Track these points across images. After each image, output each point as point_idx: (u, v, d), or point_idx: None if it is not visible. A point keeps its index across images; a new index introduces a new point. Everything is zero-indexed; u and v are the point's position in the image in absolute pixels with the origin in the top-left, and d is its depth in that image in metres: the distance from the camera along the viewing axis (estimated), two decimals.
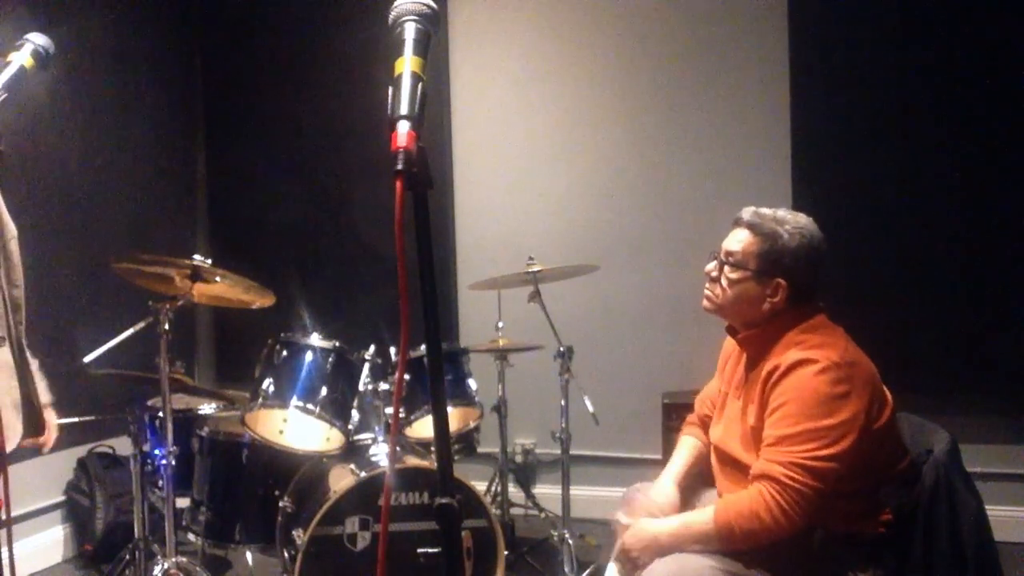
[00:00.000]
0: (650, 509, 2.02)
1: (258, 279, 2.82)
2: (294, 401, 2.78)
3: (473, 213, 4.14)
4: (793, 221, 1.92)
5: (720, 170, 3.78)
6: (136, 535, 2.83)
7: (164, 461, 2.68)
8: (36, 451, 2.14)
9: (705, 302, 2.03)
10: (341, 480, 2.64)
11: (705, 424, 2.23)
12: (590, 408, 2.98)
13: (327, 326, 3.03)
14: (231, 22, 4.42)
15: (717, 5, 3.78)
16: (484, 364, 3.47)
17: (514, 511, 3.64)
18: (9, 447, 1.86)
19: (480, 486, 3.42)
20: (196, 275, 2.70)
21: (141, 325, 2.67)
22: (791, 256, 1.89)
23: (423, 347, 2.81)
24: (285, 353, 2.84)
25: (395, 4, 1.13)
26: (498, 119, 4.10)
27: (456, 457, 3.10)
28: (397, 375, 1.54)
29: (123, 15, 3.94)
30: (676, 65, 3.84)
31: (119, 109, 3.92)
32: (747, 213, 1.96)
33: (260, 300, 2.93)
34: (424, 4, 1.12)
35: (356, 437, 2.93)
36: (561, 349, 3.04)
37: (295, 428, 2.85)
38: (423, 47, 1.11)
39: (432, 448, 2.62)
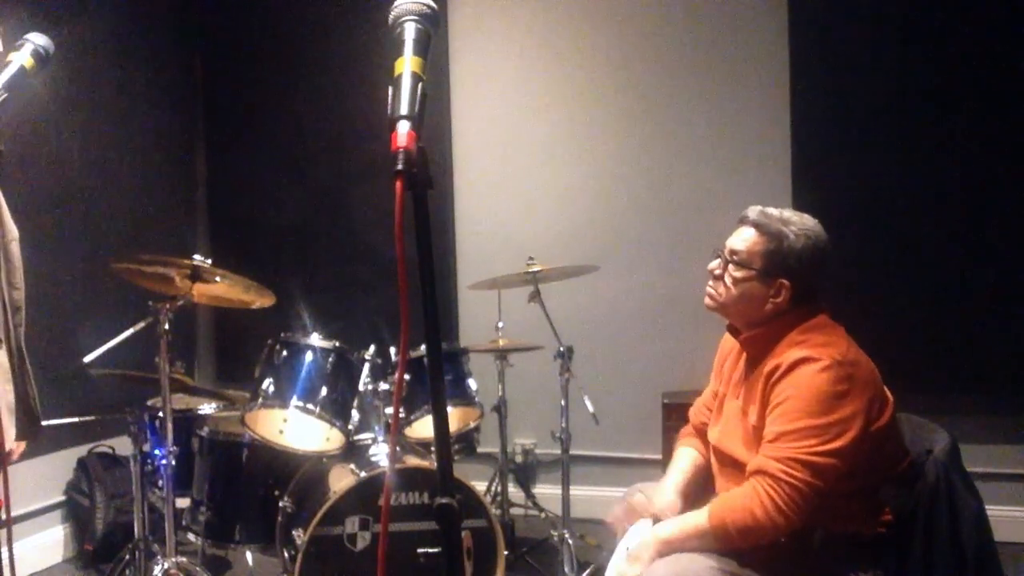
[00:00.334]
0: (651, 512, 2.02)
1: (258, 279, 2.82)
2: (294, 401, 2.78)
3: (473, 213, 4.14)
4: (799, 222, 1.91)
5: (720, 170, 3.78)
6: (136, 535, 2.82)
7: (164, 461, 2.68)
8: (36, 451, 2.13)
9: (707, 300, 2.02)
10: (341, 480, 2.64)
11: (702, 433, 2.21)
12: (590, 408, 2.98)
13: (327, 326, 3.03)
14: (231, 22, 4.42)
15: (717, 5, 3.78)
16: (484, 364, 3.47)
17: (514, 511, 3.64)
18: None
19: (480, 486, 3.42)
20: (196, 275, 2.70)
21: (141, 325, 2.67)
22: (796, 257, 1.89)
23: (423, 347, 2.81)
24: (285, 353, 2.84)
25: (395, 4, 1.13)
26: (498, 119, 4.10)
27: (456, 457, 3.10)
28: (397, 375, 1.54)
29: (123, 15, 3.94)
30: (676, 65, 3.84)
31: (119, 109, 3.92)
32: (753, 212, 1.95)
33: (260, 300, 2.93)
34: (424, 4, 1.12)
35: (356, 437, 2.94)
36: (561, 349, 3.04)
37: (295, 428, 2.85)
38: (423, 47, 1.11)
39: (432, 448, 2.62)
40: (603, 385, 3.53)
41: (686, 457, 2.19)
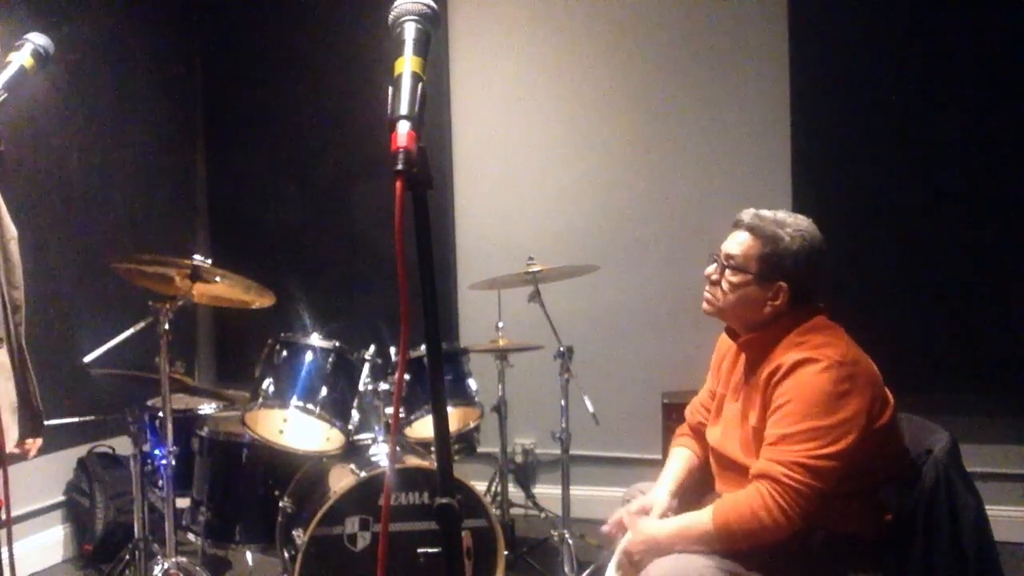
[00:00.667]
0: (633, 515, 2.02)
1: (258, 279, 2.82)
2: (294, 401, 2.78)
3: (473, 213, 4.14)
4: (794, 224, 1.91)
5: (720, 170, 3.78)
6: (136, 535, 2.83)
7: (164, 461, 2.68)
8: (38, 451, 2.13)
9: (705, 305, 2.01)
10: (341, 480, 2.64)
11: (698, 433, 2.21)
12: (590, 408, 2.98)
13: (327, 326, 3.03)
14: (231, 22, 4.42)
15: (717, 5, 3.78)
16: (484, 364, 3.47)
17: (514, 511, 3.64)
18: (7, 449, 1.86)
19: (480, 486, 3.42)
20: (196, 275, 2.69)
21: (141, 325, 2.67)
22: (792, 259, 1.89)
23: (423, 347, 2.81)
24: (285, 353, 2.84)
25: (395, 4, 1.13)
26: (498, 119, 4.10)
27: (456, 457, 3.10)
28: (397, 375, 1.54)
29: (123, 15, 3.94)
30: (676, 65, 3.84)
31: (119, 109, 3.92)
32: (747, 215, 1.95)
33: (260, 300, 2.93)
34: (424, 4, 1.12)
35: (356, 437, 2.93)
36: (561, 349, 3.04)
37: (295, 428, 2.85)
38: (423, 47, 1.11)
39: (432, 448, 2.62)
40: (603, 385, 3.53)
41: (680, 458, 2.18)
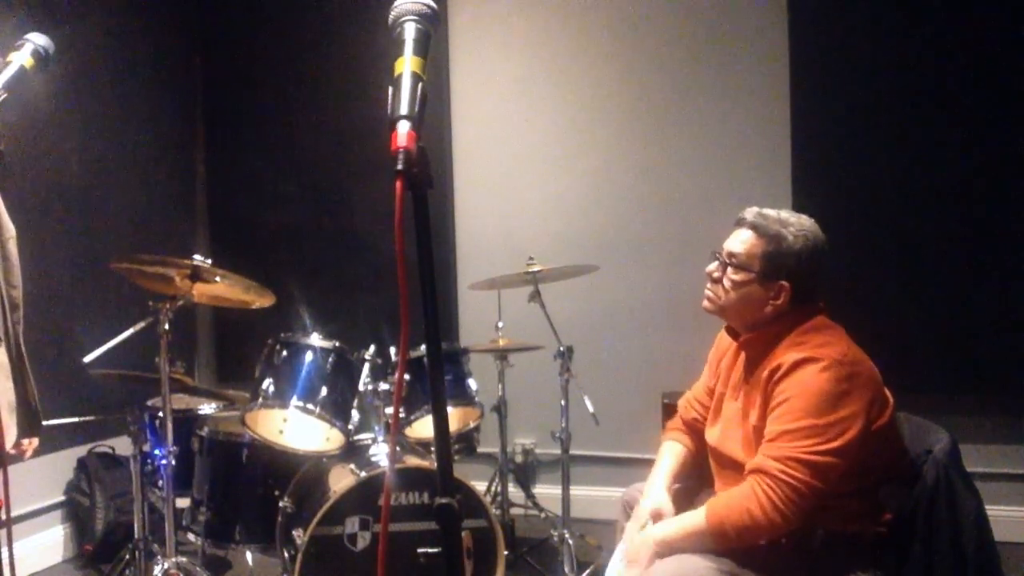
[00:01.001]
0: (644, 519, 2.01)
1: (258, 279, 2.82)
2: (294, 401, 2.78)
3: (473, 213, 4.14)
4: (797, 223, 1.91)
5: (720, 170, 3.78)
6: (136, 535, 2.82)
7: (164, 461, 2.68)
8: (36, 451, 2.13)
9: (706, 303, 2.01)
10: (341, 480, 2.64)
11: (692, 428, 2.20)
12: (590, 408, 2.98)
13: (327, 326, 3.02)
14: (231, 22, 4.42)
15: (717, 5, 3.78)
16: (484, 364, 3.47)
17: (514, 511, 3.64)
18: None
19: (480, 486, 3.42)
20: (196, 275, 2.70)
21: (141, 325, 2.67)
22: (795, 258, 1.89)
23: (423, 347, 2.81)
24: (285, 353, 2.84)
25: (395, 4, 1.13)
26: (498, 119, 4.10)
27: (456, 457, 3.10)
28: (397, 375, 1.53)
29: (123, 15, 3.94)
30: (676, 65, 3.84)
31: (119, 109, 3.92)
32: (750, 214, 1.95)
33: (260, 300, 2.93)
34: (424, 4, 1.12)
35: (356, 437, 2.94)
36: (561, 349, 3.04)
37: (295, 428, 2.85)
38: (423, 47, 1.11)
39: (432, 448, 2.62)
40: (603, 385, 3.53)
41: (670, 452, 2.18)
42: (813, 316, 1.92)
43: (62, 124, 3.62)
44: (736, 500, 1.77)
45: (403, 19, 1.12)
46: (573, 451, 3.13)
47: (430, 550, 2.57)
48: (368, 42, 4.04)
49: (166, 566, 2.66)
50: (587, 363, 3.32)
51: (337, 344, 2.87)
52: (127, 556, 2.87)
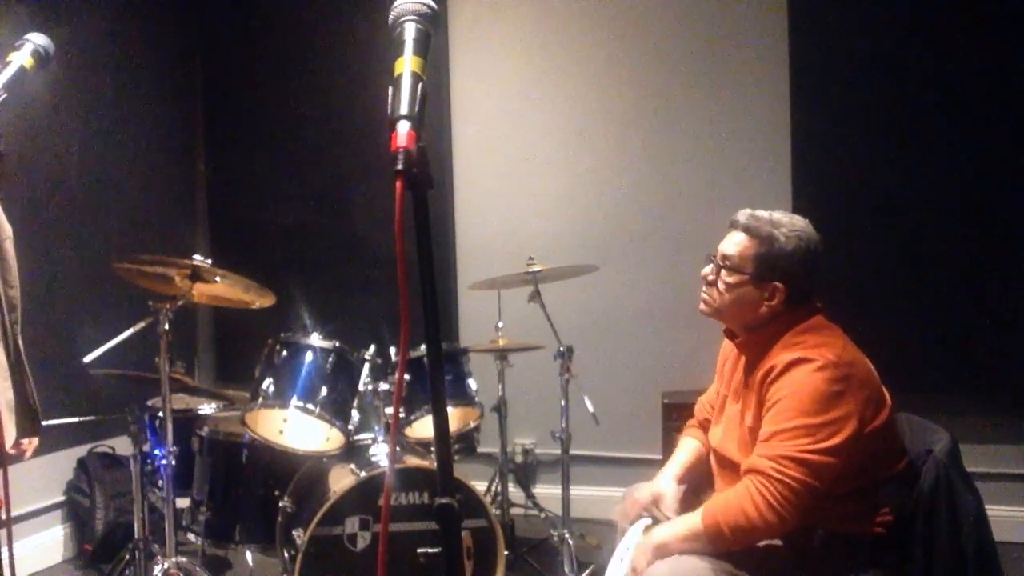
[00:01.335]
0: (646, 504, 2.03)
1: (258, 279, 2.82)
2: (294, 401, 2.78)
3: (473, 213, 4.14)
4: (789, 224, 1.91)
5: (720, 170, 3.78)
6: (136, 535, 2.82)
7: (164, 461, 2.68)
8: (36, 451, 2.13)
9: (702, 306, 2.02)
10: (341, 480, 2.64)
11: (706, 427, 2.23)
12: (590, 408, 2.98)
13: (327, 326, 3.03)
14: (231, 23, 4.42)
15: (717, 5, 3.78)
16: (484, 364, 3.47)
17: (514, 511, 3.64)
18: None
19: (480, 486, 3.42)
20: (196, 275, 2.70)
21: (141, 325, 2.67)
22: (788, 259, 1.89)
23: (423, 347, 2.81)
24: (285, 353, 2.84)
25: (395, 4, 1.13)
26: (498, 119, 4.10)
27: (456, 457, 3.10)
28: (397, 375, 1.53)
29: (123, 15, 3.94)
30: (676, 65, 3.84)
31: (119, 109, 3.92)
32: (743, 216, 1.96)
33: (260, 300, 2.93)
34: (424, 4, 1.12)
35: (356, 437, 2.94)
36: (561, 349, 3.04)
37: (295, 428, 2.86)
38: (423, 47, 1.11)
39: (432, 448, 2.62)
40: (603, 385, 3.53)
41: (688, 446, 2.22)
42: (810, 316, 1.92)
43: (62, 124, 3.62)
44: (731, 501, 1.77)
45: (403, 19, 1.12)
46: (573, 451, 3.13)
47: (430, 550, 2.57)
48: (368, 42, 4.04)
49: (166, 566, 2.65)
50: (587, 363, 3.32)
51: (337, 344, 2.87)
52: (127, 556, 2.87)
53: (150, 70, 4.12)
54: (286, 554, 2.69)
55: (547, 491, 3.86)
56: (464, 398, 3.09)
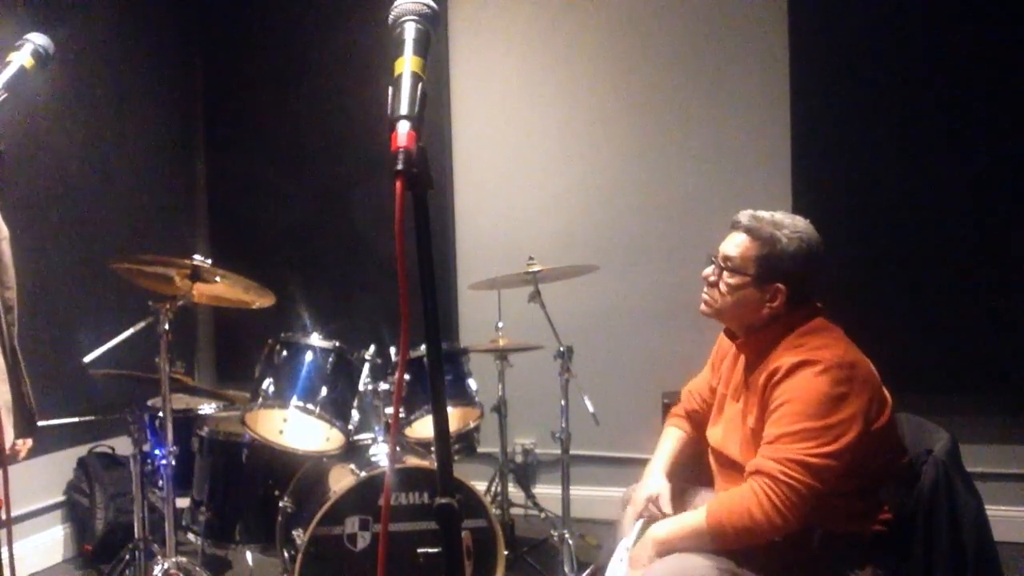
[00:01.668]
0: (643, 506, 2.03)
1: (258, 279, 2.82)
2: (294, 401, 2.78)
3: (473, 213, 4.14)
4: (791, 225, 1.91)
5: (720, 170, 3.78)
6: (136, 535, 2.83)
7: (164, 461, 2.68)
8: (36, 451, 2.13)
9: (703, 307, 2.02)
10: (341, 480, 2.64)
11: (691, 417, 2.24)
12: (590, 408, 2.98)
13: (327, 326, 3.02)
14: (231, 23, 4.42)
15: (717, 6, 3.78)
16: (484, 364, 3.47)
17: (514, 511, 3.64)
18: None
19: (480, 486, 3.42)
20: (196, 275, 2.70)
21: (141, 325, 2.67)
22: (790, 260, 1.89)
23: (423, 347, 2.81)
24: (285, 353, 2.84)
25: (395, 4, 1.13)
26: (498, 119, 4.10)
27: (456, 457, 3.10)
28: (397, 375, 1.53)
29: (123, 15, 3.94)
30: (676, 65, 3.84)
31: (119, 109, 3.92)
32: (744, 216, 1.95)
33: (260, 300, 2.93)
34: (424, 4, 1.12)
35: (356, 437, 2.93)
36: (561, 349, 3.04)
37: (295, 428, 2.85)
38: (423, 47, 1.11)
39: (432, 448, 2.62)
40: (603, 385, 3.53)
41: (671, 438, 2.24)
42: (811, 317, 1.92)
43: (62, 124, 3.62)
44: (736, 501, 1.77)
45: (403, 19, 1.12)
46: (573, 451, 3.13)
47: (430, 550, 2.57)
48: (368, 42, 4.04)
49: (166, 566, 2.66)
50: (587, 363, 3.32)
51: (337, 344, 2.87)
52: (127, 556, 2.87)
53: (150, 70, 4.13)
54: (286, 554, 2.69)
55: (547, 491, 3.86)
56: (464, 398, 3.09)
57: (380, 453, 2.84)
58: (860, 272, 3.43)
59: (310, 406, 2.77)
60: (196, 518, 2.90)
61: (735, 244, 1.94)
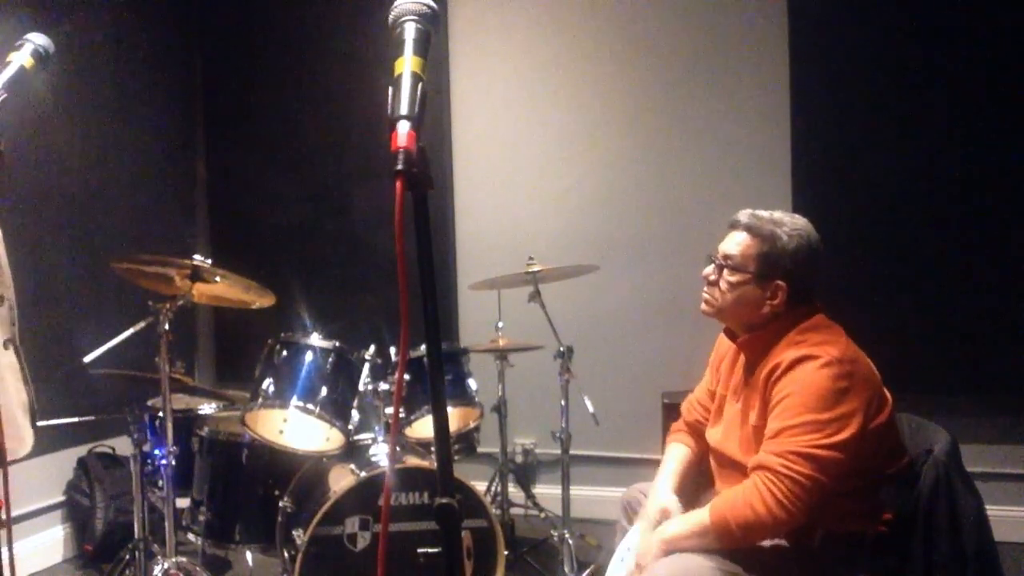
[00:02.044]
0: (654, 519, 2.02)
1: (258, 279, 2.82)
2: (294, 401, 2.78)
3: (473, 213, 4.14)
4: (791, 223, 1.92)
5: (720, 170, 3.78)
6: (136, 535, 2.82)
7: (164, 461, 2.68)
8: (36, 451, 2.13)
9: (704, 306, 2.02)
10: (341, 480, 2.64)
11: (695, 430, 2.22)
12: (590, 408, 2.98)
13: (327, 326, 3.03)
14: (231, 22, 4.42)
15: (717, 6, 3.78)
16: (484, 364, 3.47)
17: (514, 511, 3.64)
18: (23, 451, 1.86)
19: (480, 486, 3.42)
20: (196, 275, 2.70)
21: (141, 325, 2.67)
22: (790, 258, 1.89)
23: (423, 347, 2.81)
24: (285, 353, 2.84)
25: (395, 4, 1.13)
26: (498, 119, 4.10)
27: (456, 457, 3.10)
28: (397, 375, 1.53)
29: (123, 15, 3.94)
30: (676, 65, 3.84)
31: (119, 109, 3.92)
32: (744, 215, 1.96)
33: (260, 300, 2.93)
34: (424, 4, 1.12)
35: (356, 437, 2.94)
36: (561, 349, 3.04)
37: (295, 428, 2.85)
38: (423, 47, 1.11)
39: (432, 448, 2.62)
40: (603, 385, 3.53)
41: (676, 455, 2.20)
42: (811, 316, 1.92)
43: (62, 124, 3.62)
44: (740, 497, 1.77)
45: (403, 19, 1.12)
46: (573, 451, 3.13)
47: (430, 550, 2.57)
48: (368, 42, 4.04)
49: (166, 566, 2.66)
50: (587, 363, 3.32)
51: (337, 344, 2.87)
52: (127, 556, 2.87)
53: (150, 70, 4.12)
54: (286, 554, 2.69)
55: (547, 491, 3.86)
56: (464, 398, 3.09)
57: (380, 453, 2.84)
58: (860, 272, 3.43)
59: (310, 406, 2.77)
60: (196, 518, 2.90)
61: (735, 242, 1.95)
